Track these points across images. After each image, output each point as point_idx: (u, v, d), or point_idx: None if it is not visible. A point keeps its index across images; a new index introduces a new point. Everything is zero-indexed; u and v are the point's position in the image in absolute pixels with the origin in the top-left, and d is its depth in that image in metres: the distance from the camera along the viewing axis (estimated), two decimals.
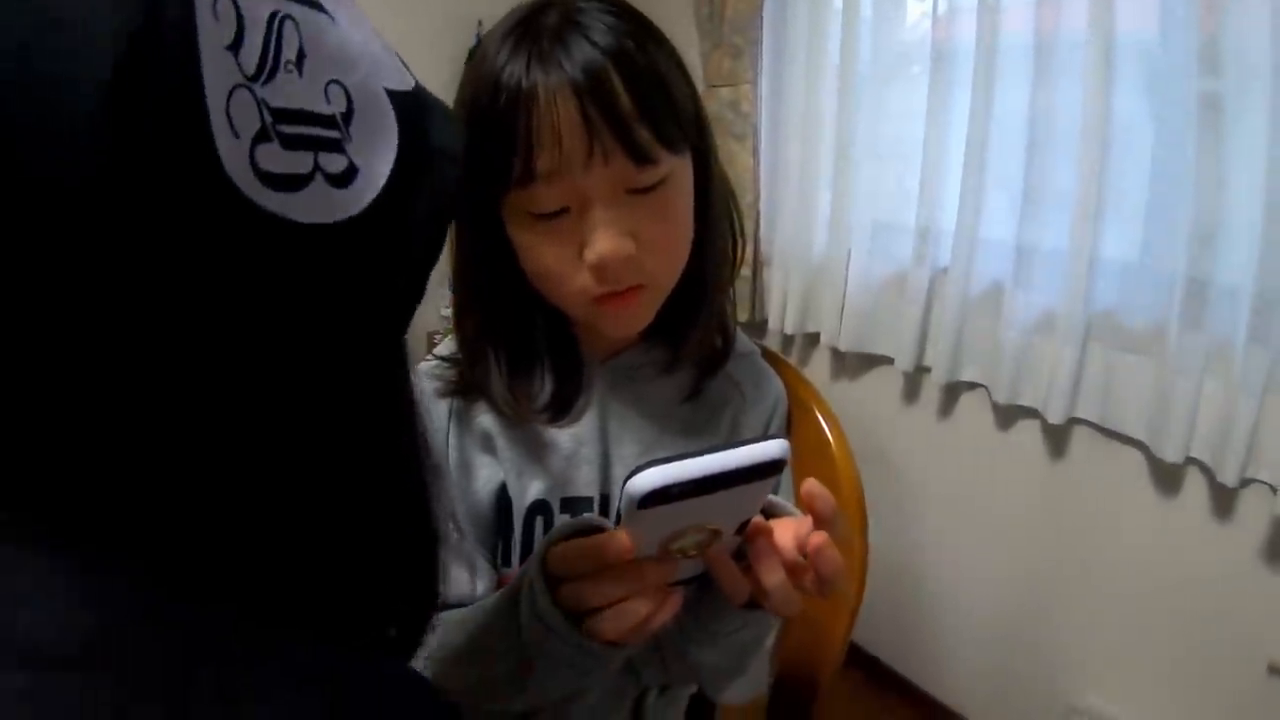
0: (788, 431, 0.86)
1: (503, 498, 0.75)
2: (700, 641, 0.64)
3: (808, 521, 0.55)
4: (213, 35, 0.25)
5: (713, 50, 2.10)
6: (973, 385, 1.82)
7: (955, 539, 1.92)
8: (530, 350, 0.74)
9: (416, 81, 0.35)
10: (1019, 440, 1.75)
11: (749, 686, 0.72)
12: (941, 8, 1.73)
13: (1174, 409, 1.42)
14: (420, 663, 0.70)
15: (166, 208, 0.24)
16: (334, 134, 0.29)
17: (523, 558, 0.75)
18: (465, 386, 0.75)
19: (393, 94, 0.32)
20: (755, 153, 2.11)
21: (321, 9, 0.30)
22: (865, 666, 2.09)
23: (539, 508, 0.75)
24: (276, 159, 0.27)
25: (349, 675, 0.32)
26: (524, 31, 0.62)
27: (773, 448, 0.48)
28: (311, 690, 0.30)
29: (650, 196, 0.64)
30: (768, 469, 0.48)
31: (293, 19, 0.28)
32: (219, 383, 0.27)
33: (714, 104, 2.06)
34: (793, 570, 0.55)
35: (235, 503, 0.29)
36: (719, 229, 0.74)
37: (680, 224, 0.68)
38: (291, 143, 0.27)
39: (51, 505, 0.25)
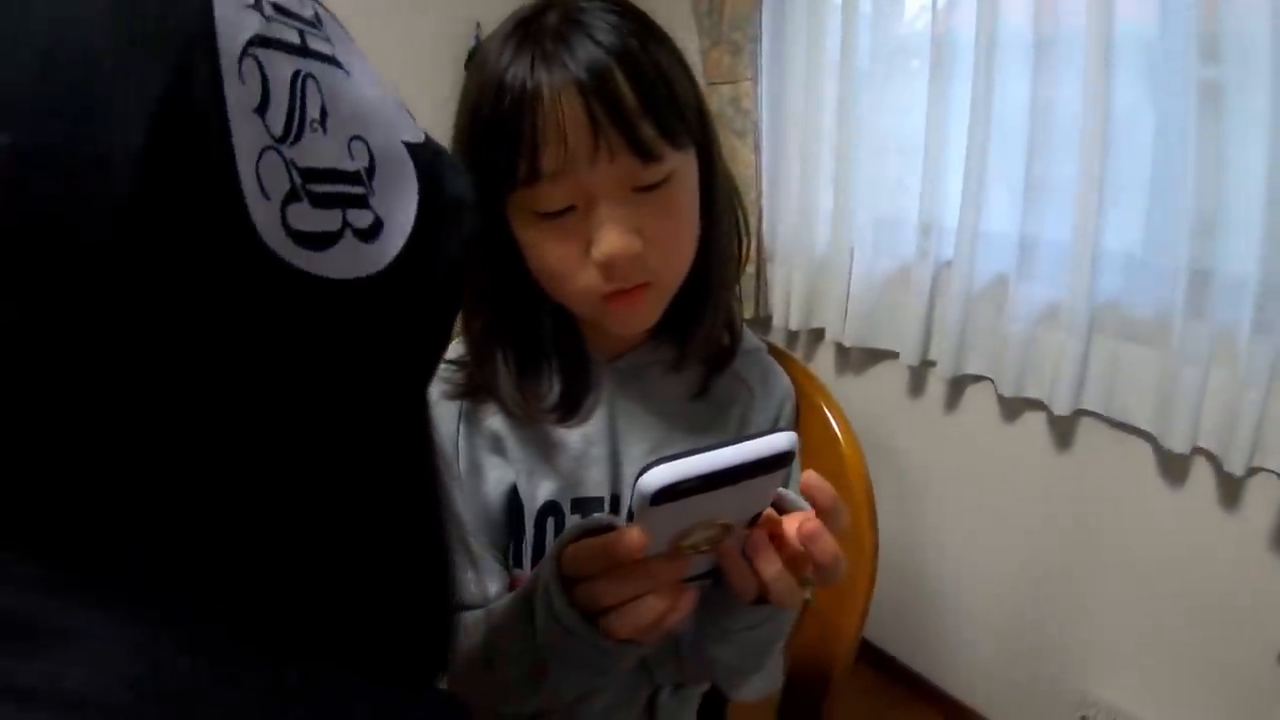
0: (796, 427, 0.86)
1: (514, 499, 0.75)
2: (716, 639, 0.64)
3: (811, 514, 0.56)
4: (240, 99, 0.25)
5: (712, 47, 2.10)
6: (978, 378, 1.82)
7: (963, 533, 1.92)
8: (538, 350, 0.74)
9: (426, 133, 0.36)
10: (1025, 432, 1.75)
11: (765, 683, 0.72)
12: (940, 1, 1.72)
13: (1180, 399, 1.42)
14: None
15: (203, 273, 0.24)
16: (360, 190, 0.30)
17: (534, 559, 0.75)
18: (474, 388, 0.75)
19: (409, 146, 0.33)
20: (756, 149, 2.10)
21: (338, 64, 0.30)
22: (874, 661, 2.09)
23: (550, 509, 0.75)
24: (307, 218, 0.27)
25: (397, 709, 0.32)
26: (526, 32, 0.63)
27: (781, 440, 0.49)
28: None
29: (656, 193, 0.64)
30: (776, 462, 0.49)
31: (314, 77, 0.28)
32: (257, 436, 0.27)
33: (714, 101, 2.06)
34: (793, 562, 0.55)
35: (267, 546, 0.29)
36: (724, 226, 0.74)
37: (686, 221, 0.69)
38: (321, 201, 0.28)
39: (89, 556, 0.25)
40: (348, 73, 0.31)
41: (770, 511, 0.55)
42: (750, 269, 2.15)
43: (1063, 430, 1.69)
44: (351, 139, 0.30)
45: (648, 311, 0.70)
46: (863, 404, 1.96)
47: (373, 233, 0.30)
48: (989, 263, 1.72)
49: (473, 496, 0.75)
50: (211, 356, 0.25)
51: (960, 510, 1.92)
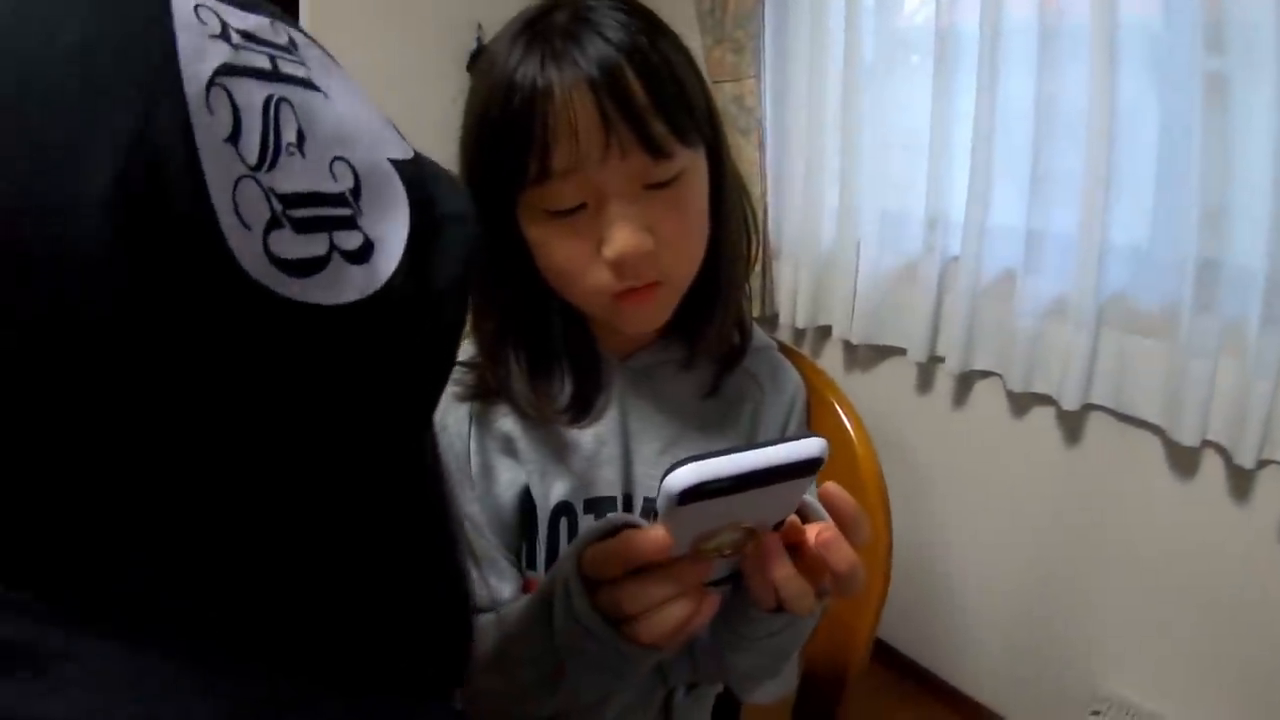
0: (807, 424, 0.86)
1: (526, 501, 0.75)
2: (733, 645, 0.64)
3: (830, 523, 0.55)
4: (210, 131, 0.25)
5: (715, 46, 2.10)
6: (986, 374, 1.81)
7: (973, 529, 1.92)
8: (549, 350, 0.74)
9: (415, 150, 0.35)
10: (1034, 428, 1.75)
11: (779, 687, 0.72)
12: None
13: (1189, 392, 1.42)
14: None
15: (186, 311, 0.24)
16: (346, 211, 0.29)
17: (548, 560, 0.75)
18: (485, 390, 0.75)
19: (396, 163, 0.32)
20: (761, 147, 2.10)
21: (314, 87, 0.30)
22: (883, 657, 2.09)
23: (563, 509, 0.75)
24: (291, 245, 0.27)
25: None
26: (535, 32, 0.63)
27: (812, 446, 0.48)
28: None
29: (667, 191, 0.64)
30: (805, 467, 0.48)
31: (288, 101, 0.28)
32: (259, 465, 0.27)
33: (718, 99, 2.05)
34: (810, 570, 0.55)
35: (267, 569, 0.29)
36: (733, 224, 0.74)
37: (697, 218, 0.69)
38: (304, 226, 0.27)
39: (90, 587, 0.25)
40: (326, 94, 0.30)
41: (794, 518, 0.55)
42: (756, 267, 2.15)
43: (1072, 425, 1.68)
44: (333, 160, 0.29)
45: (659, 310, 0.70)
46: (870, 401, 1.94)
47: (363, 254, 0.29)
48: (996, 257, 1.72)
49: (485, 498, 0.75)
50: (205, 391, 0.25)
51: (969, 506, 1.92)
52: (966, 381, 1.86)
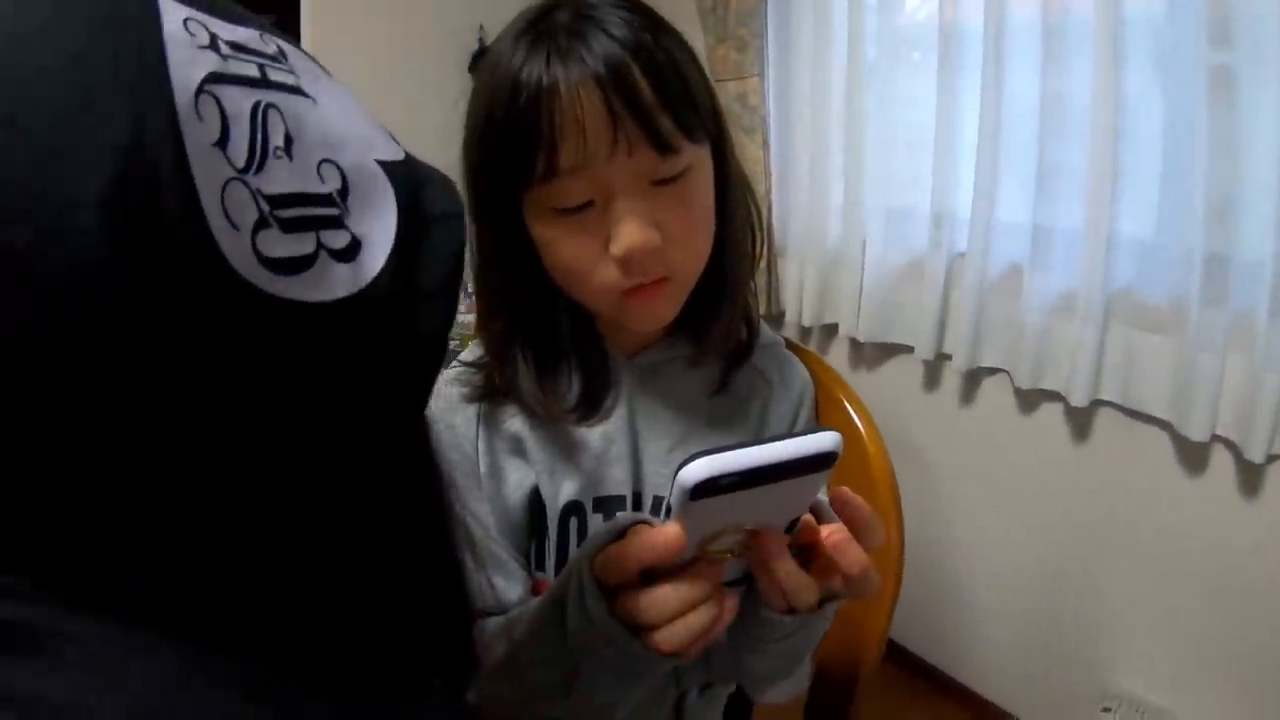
0: (816, 420, 0.85)
1: (535, 501, 0.75)
2: (747, 648, 0.64)
3: (841, 526, 0.55)
4: (199, 135, 0.26)
5: (717, 44, 2.10)
6: (994, 370, 1.81)
7: (982, 527, 1.91)
8: (557, 349, 0.74)
9: (406, 151, 0.36)
10: (1043, 424, 1.74)
11: (793, 687, 0.72)
12: None
13: (1198, 387, 1.41)
14: None
15: (179, 309, 0.25)
16: (333, 211, 0.30)
17: (558, 560, 0.75)
18: (492, 390, 0.75)
19: (385, 164, 0.33)
20: (765, 145, 2.10)
21: (302, 93, 0.31)
22: (893, 656, 2.08)
23: (573, 508, 0.75)
24: (279, 244, 0.28)
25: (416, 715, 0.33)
26: (539, 31, 0.63)
27: (827, 439, 0.47)
28: None
29: (673, 187, 0.65)
30: (820, 461, 0.47)
31: (275, 107, 0.29)
32: (251, 459, 0.28)
33: (721, 98, 2.04)
34: (823, 571, 0.55)
35: (262, 561, 0.29)
36: (739, 221, 0.74)
37: (703, 214, 0.69)
38: (291, 226, 0.28)
39: (88, 579, 0.26)
40: (314, 100, 0.31)
41: (809, 518, 0.54)
42: (761, 265, 2.14)
43: (1080, 421, 1.68)
44: (321, 162, 0.30)
45: (666, 307, 0.70)
46: (877, 399, 1.93)
47: (350, 252, 0.30)
48: (1002, 252, 1.72)
49: (494, 499, 0.75)
50: (197, 386, 0.26)
51: (978, 504, 1.91)
52: (974, 378, 1.86)
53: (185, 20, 0.27)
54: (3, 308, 0.23)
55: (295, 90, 0.31)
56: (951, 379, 1.91)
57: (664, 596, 0.51)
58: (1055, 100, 1.58)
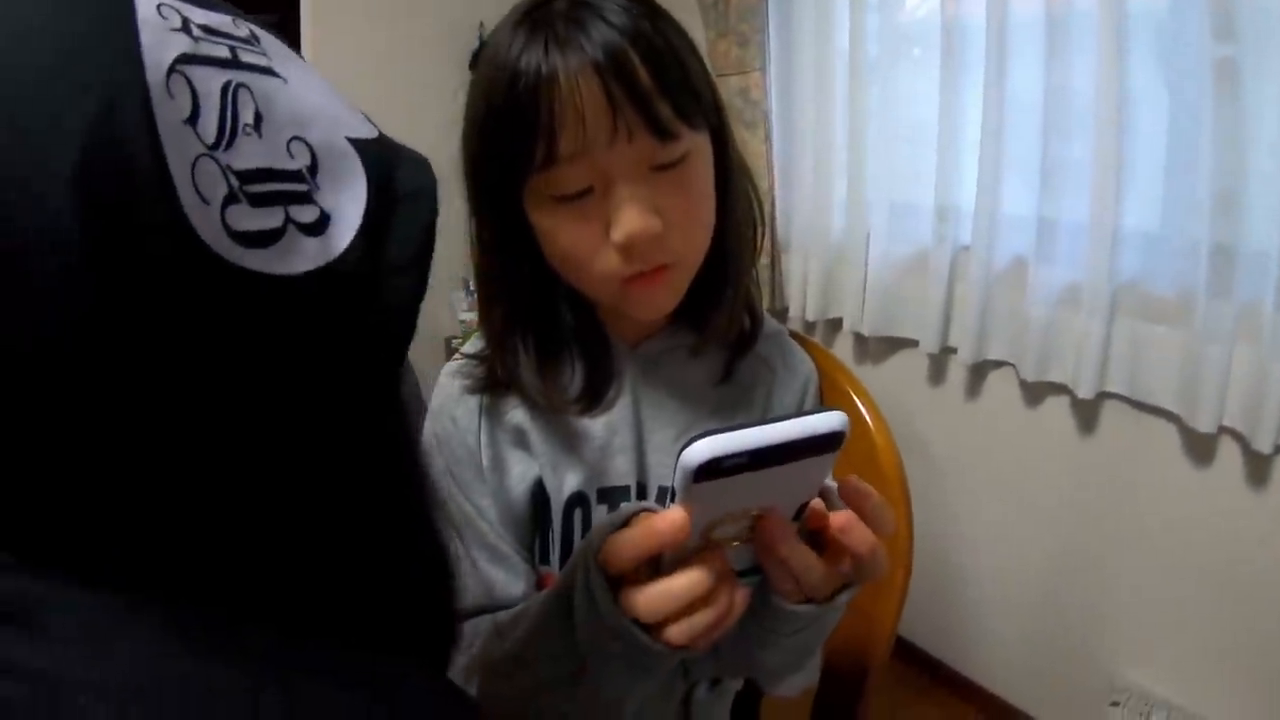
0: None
1: (539, 493, 0.75)
2: (759, 642, 0.63)
3: (849, 511, 0.54)
4: (169, 113, 0.27)
5: (719, 39, 2.09)
6: (999, 364, 1.80)
7: (988, 521, 1.91)
8: (558, 339, 0.74)
9: (380, 130, 0.37)
10: (1049, 417, 1.74)
11: (804, 679, 0.72)
12: None
13: (1205, 378, 1.41)
14: (459, 673, 0.70)
15: (150, 280, 0.26)
16: (302, 187, 0.31)
17: (563, 552, 0.75)
18: (494, 381, 0.75)
19: (356, 142, 0.34)
20: (767, 140, 2.10)
21: (273, 74, 0.32)
22: (900, 652, 2.07)
23: (577, 500, 0.75)
24: (248, 218, 0.28)
25: (400, 684, 0.33)
26: (536, 20, 0.63)
27: (833, 419, 0.47)
28: (371, 700, 0.31)
29: (673, 173, 0.65)
30: (826, 442, 0.47)
31: (246, 87, 0.30)
32: (222, 430, 0.29)
33: (723, 92, 2.04)
34: (831, 557, 0.54)
35: (240, 536, 0.30)
36: (739, 208, 0.74)
37: (703, 200, 0.69)
38: (260, 200, 0.29)
39: (67, 551, 0.27)
40: (285, 80, 0.32)
41: (818, 503, 0.53)
42: (764, 260, 2.15)
43: (1087, 414, 1.67)
44: (291, 139, 0.31)
45: (668, 294, 0.70)
46: (883, 393, 1.92)
47: (319, 226, 0.31)
48: (1007, 245, 1.71)
49: (497, 492, 0.75)
50: (171, 357, 0.26)
51: (984, 498, 1.91)
52: (979, 372, 1.86)
53: (159, 6, 0.28)
54: None
55: (266, 71, 0.31)
56: (957, 372, 1.90)
57: (672, 589, 0.50)
58: (1059, 94, 1.57)
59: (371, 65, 2.42)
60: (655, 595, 0.51)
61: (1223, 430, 1.44)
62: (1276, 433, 1.34)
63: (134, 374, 0.26)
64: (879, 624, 0.84)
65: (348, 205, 0.32)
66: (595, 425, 0.75)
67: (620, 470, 0.76)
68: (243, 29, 0.32)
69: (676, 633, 0.51)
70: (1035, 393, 1.75)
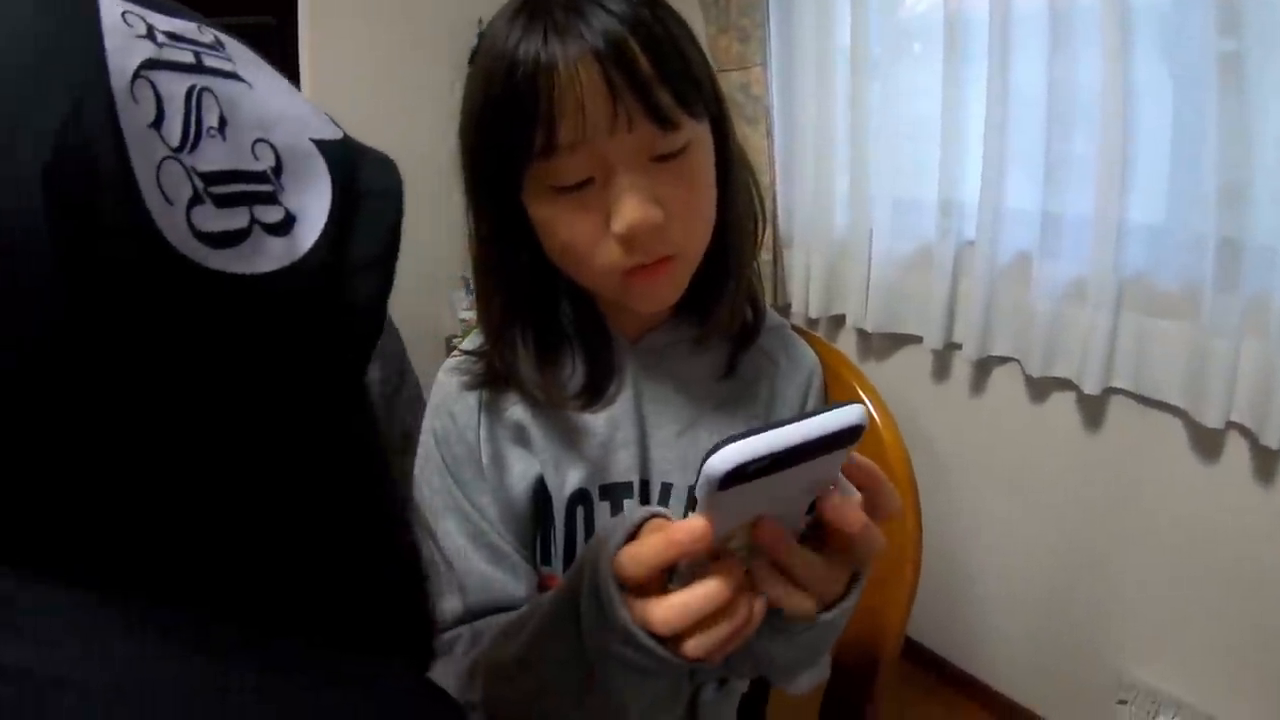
0: (826, 402, 0.84)
1: (540, 491, 0.74)
2: (772, 637, 0.62)
3: (837, 493, 0.52)
4: (134, 117, 0.27)
5: (719, 34, 2.09)
6: (1004, 359, 1.79)
7: (994, 518, 1.90)
8: (558, 334, 0.74)
9: (345, 132, 0.37)
10: (1054, 413, 1.73)
11: (815, 676, 0.70)
12: None
13: (1212, 372, 1.40)
14: (462, 675, 0.68)
15: (117, 283, 0.26)
16: (267, 187, 0.31)
17: (566, 551, 0.74)
18: (493, 377, 0.74)
19: (321, 143, 0.35)
20: (769, 135, 2.09)
21: (237, 78, 0.32)
22: (905, 650, 2.06)
23: (579, 497, 0.74)
24: (213, 218, 0.29)
25: (379, 683, 0.33)
26: (534, 9, 0.62)
27: (852, 413, 0.46)
28: (354, 698, 0.31)
29: (674, 163, 0.64)
30: (846, 437, 0.46)
31: (210, 91, 0.30)
32: (187, 431, 0.29)
33: (724, 87, 2.04)
34: (835, 546, 0.53)
35: (207, 539, 0.30)
36: (740, 199, 0.73)
37: (705, 191, 0.68)
38: (225, 201, 0.29)
39: (66, 557, 0.27)
40: (250, 85, 0.33)
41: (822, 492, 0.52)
42: (766, 256, 2.14)
43: (1093, 410, 1.66)
44: (255, 141, 0.32)
45: (670, 287, 0.69)
46: (886, 390, 1.92)
47: (284, 226, 0.31)
48: (1012, 240, 1.70)
49: (497, 490, 0.74)
50: (138, 356, 0.27)
51: (989, 495, 1.90)
52: (984, 368, 1.85)
53: (123, 14, 0.29)
54: None
55: (230, 75, 0.32)
56: (961, 368, 1.89)
57: (690, 602, 0.49)
58: (1063, 87, 1.56)
59: (370, 65, 2.42)
60: (672, 608, 0.49)
61: (1230, 425, 1.43)
62: None
63: (104, 375, 0.26)
64: (888, 623, 0.83)
65: (312, 205, 0.33)
66: (596, 421, 0.74)
67: (623, 466, 0.75)
68: (207, 35, 0.33)
69: (693, 646, 0.49)
70: (1040, 388, 1.74)
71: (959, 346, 1.84)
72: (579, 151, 0.61)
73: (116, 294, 0.26)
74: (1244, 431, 1.42)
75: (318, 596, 0.34)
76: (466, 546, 0.73)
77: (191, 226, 0.28)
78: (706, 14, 2.10)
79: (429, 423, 0.76)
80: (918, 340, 1.93)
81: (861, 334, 2.06)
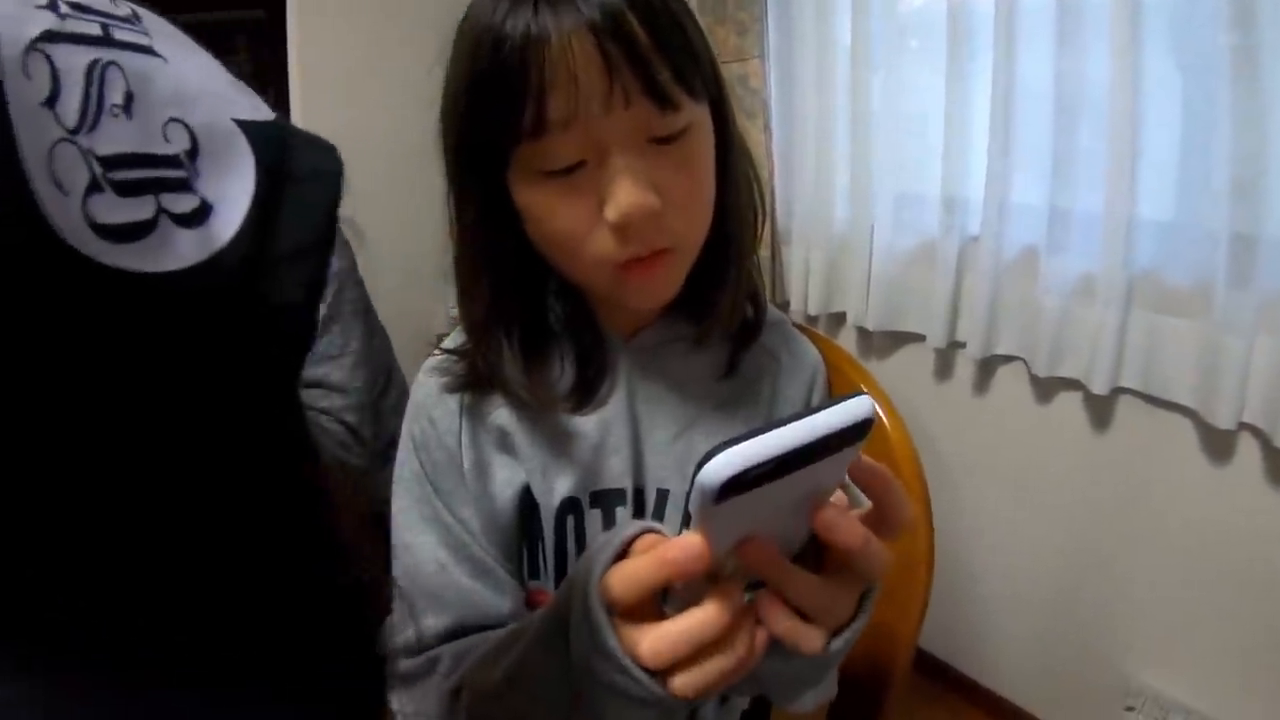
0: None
1: (526, 500, 0.70)
2: (777, 654, 0.58)
3: (831, 503, 0.47)
4: (25, 95, 0.25)
5: (716, 26, 2.07)
6: (1009, 358, 1.77)
7: (1000, 521, 1.87)
8: (545, 331, 0.70)
9: (276, 114, 0.34)
10: (1061, 413, 1.70)
11: (821, 694, 0.66)
12: None
13: (1224, 372, 1.37)
14: (435, 702, 0.65)
15: (1, 279, 0.24)
16: (178, 173, 0.29)
17: (557, 564, 0.70)
18: (476, 379, 0.70)
19: (245, 124, 0.32)
20: (767, 129, 2.07)
21: (152, 52, 0.30)
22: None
23: (569, 505, 0.70)
24: (114, 209, 0.26)
25: None
26: None
27: (861, 406, 0.41)
28: None
29: (673, 147, 0.60)
30: (854, 433, 0.41)
31: (117, 64, 0.28)
32: (101, 448, 0.26)
33: None
34: (834, 562, 0.48)
35: (122, 558, 0.28)
36: (740, 189, 0.69)
37: (705, 178, 0.64)
38: (127, 189, 0.27)
39: None
40: (165, 60, 0.30)
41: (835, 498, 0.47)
42: (765, 251, 2.11)
43: (1101, 410, 1.63)
44: (167, 121, 0.29)
45: (667, 282, 0.65)
46: (889, 390, 1.90)
47: (197, 217, 0.29)
48: (1017, 235, 1.67)
49: (479, 498, 0.70)
50: (28, 365, 0.24)
51: (994, 498, 1.87)
52: (988, 367, 1.82)
53: None
54: None
55: (143, 49, 0.29)
56: (965, 367, 1.86)
57: (682, 632, 0.44)
58: (1070, 80, 1.54)
59: (359, 59, 2.39)
60: (663, 638, 0.45)
61: (1242, 426, 1.40)
62: None
63: None
64: (899, 631, 0.79)
65: (232, 192, 0.30)
66: (587, 424, 0.70)
67: (615, 472, 0.71)
68: (123, 8, 0.30)
69: (683, 683, 0.45)
70: (1047, 388, 1.72)
71: (962, 345, 1.81)
72: (571, 130, 0.57)
73: (2, 292, 0.23)
74: (1256, 433, 1.40)
75: (246, 627, 0.31)
76: (448, 560, 0.69)
77: (88, 218, 0.25)
78: (703, 5, 2.08)
79: (408, 426, 0.72)
80: (920, 338, 1.90)
81: (862, 332, 2.03)
